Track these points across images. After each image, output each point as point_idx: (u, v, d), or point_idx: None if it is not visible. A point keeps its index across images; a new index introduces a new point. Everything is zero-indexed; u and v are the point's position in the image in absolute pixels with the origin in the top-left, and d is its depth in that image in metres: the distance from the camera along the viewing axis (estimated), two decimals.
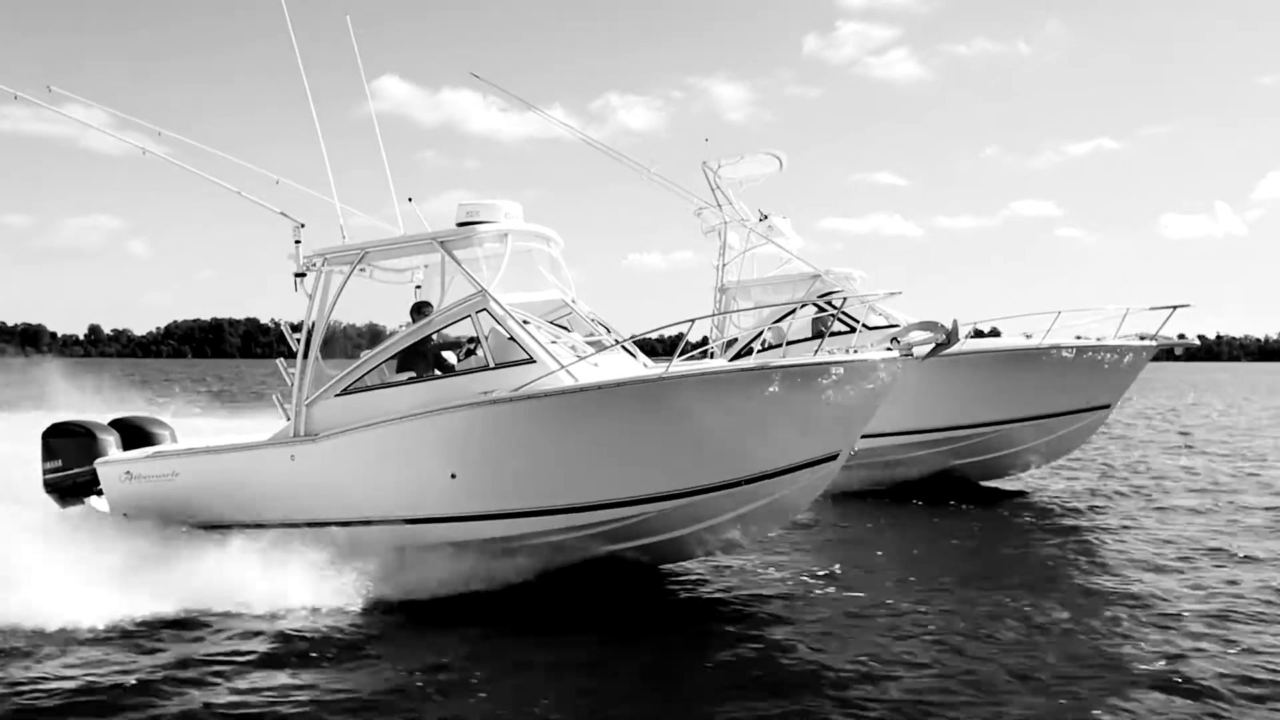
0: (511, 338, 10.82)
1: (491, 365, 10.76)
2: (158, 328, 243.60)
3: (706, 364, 11.06)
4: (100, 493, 12.75)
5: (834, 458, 10.53)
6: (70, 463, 12.75)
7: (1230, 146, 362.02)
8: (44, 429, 13.02)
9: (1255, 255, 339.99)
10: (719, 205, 19.17)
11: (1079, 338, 17.35)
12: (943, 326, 10.27)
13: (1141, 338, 17.28)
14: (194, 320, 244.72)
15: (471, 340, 11.54)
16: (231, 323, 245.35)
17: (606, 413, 10.14)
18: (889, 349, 10.36)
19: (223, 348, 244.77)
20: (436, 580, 10.94)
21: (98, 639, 9.50)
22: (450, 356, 11.63)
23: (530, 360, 10.63)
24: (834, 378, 10.03)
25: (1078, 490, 19.35)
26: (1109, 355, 17.20)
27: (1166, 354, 18.48)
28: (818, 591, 11.37)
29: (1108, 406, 17.90)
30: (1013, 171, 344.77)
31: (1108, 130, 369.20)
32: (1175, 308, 16.86)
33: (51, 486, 12.83)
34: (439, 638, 9.68)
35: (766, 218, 19.20)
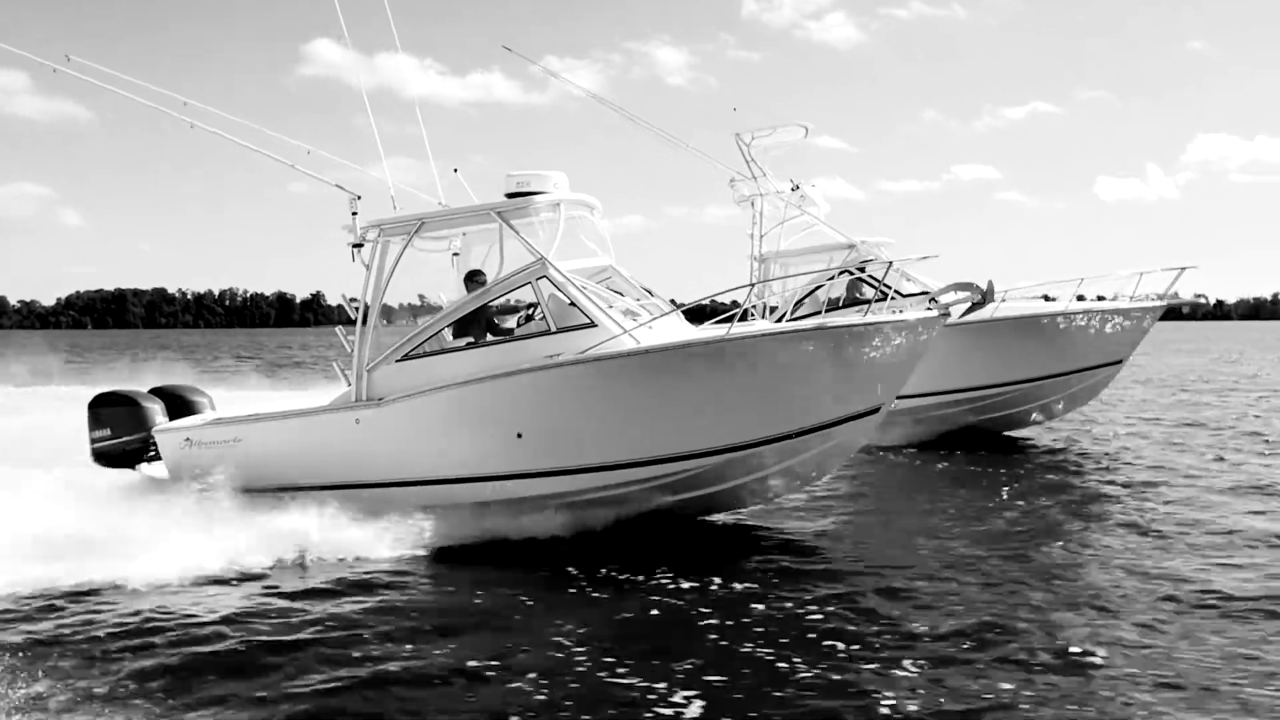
0: (573, 303, 11.40)
1: (553, 330, 11.33)
2: (59, 299, 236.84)
3: (766, 325, 11.78)
4: (151, 460, 13.07)
5: (877, 410, 11.37)
6: (119, 431, 13.03)
7: (1160, 110, 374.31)
8: (90, 399, 13.27)
9: (1186, 217, 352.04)
10: (753, 177, 19.85)
11: (1098, 298, 18.95)
12: (978, 287, 11.13)
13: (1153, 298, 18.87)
14: (96, 291, 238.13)
15: (530, 306, 12.09)
16: (136, 293, 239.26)
17: (676, 372, 10.80)
18: (928, 308, 11.20)
19: (125, 318, 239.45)
20: (494, 531, 11.64)
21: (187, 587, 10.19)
22: (509, 321, 12.17)
23: (592, 324, 11.22)
24: (882, 335, 10.84)
25: (1094, 436, 21.60)
26: (1122, 317, 18.84)
27: (1174, 312, 20.13)
28: (859, 535, 12.24)
29: (1120, 362, 19.58)
30: (952, 135, 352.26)
31: (1042, 94, 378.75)
32: (1183, 269, 18.66)
33: (100, 455, 13.09)
34: (488, 587, 10.26)
35: (798, 188, 19.97)
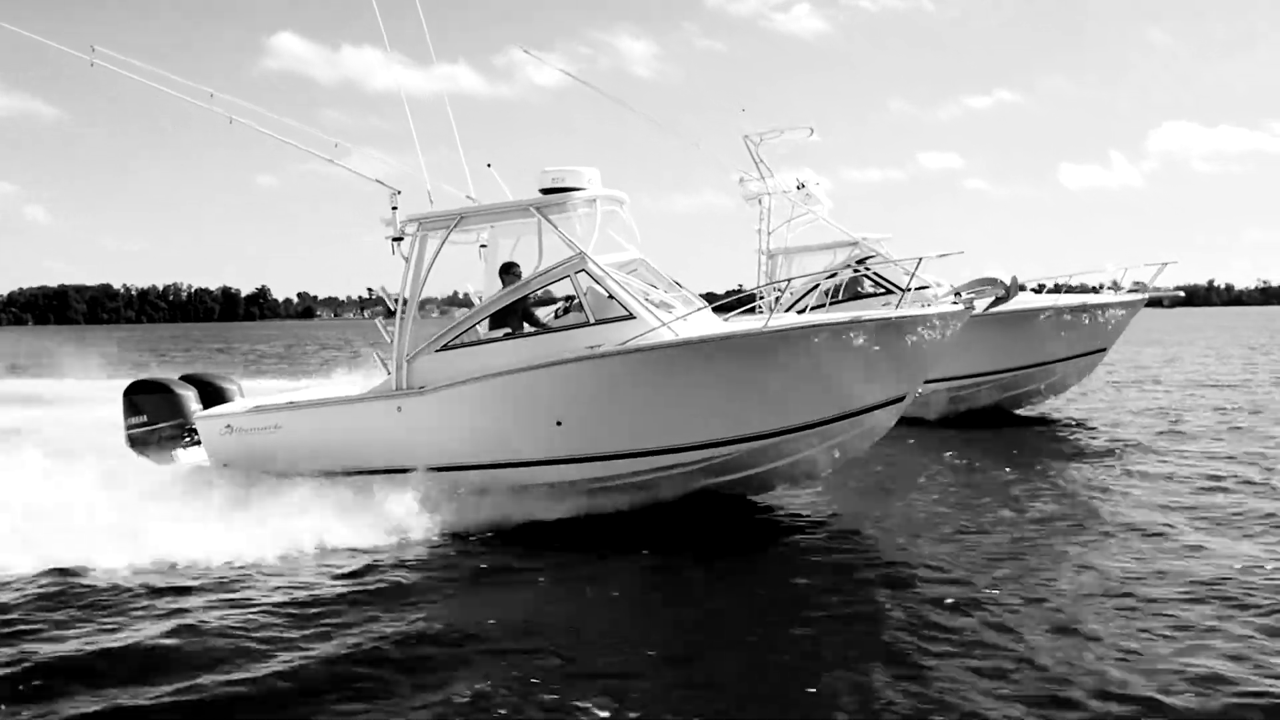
0: (611, 296, 11.80)
1: (592, 321, 11.73)
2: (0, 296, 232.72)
3: (799, 317, 12.27)
4: (186, 446, 13.31)
5: (904, 397, 11.92)
6: (155, 418, 13.26)
7: (1122, 99, 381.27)
8: (126, 387, 13.49)
9: (1150, 205, 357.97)
10: (761, 177, 20.50)
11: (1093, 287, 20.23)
12: (1001, 282, 11.70)
13: (1130, 289, 20.01)
14: (39, 287, 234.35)
15: (568, 299, 12.48)
16: (79, 289, 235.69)
17: (715, 362, 11.25)
18: (954, 303, 11.76)
19: (67, 314, 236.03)
20: (534, 514, 12.01)
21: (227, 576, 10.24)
22: (544, 313, 12.57)
23: (630, 316, 11.65)
24: (912, 328, 11.38)
25: (1078, 412, 23.17)
26: (1108, 309, 19.93)
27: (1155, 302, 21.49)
28: (887, 513, 12.80)
29: (1104, 349, 21.14)
30: (917, 124, 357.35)
31: (1005, 83, 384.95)
32: (1165, 264, 19.92)
33: (136, 441, 13.31)
34: (529, 570, 10.56)
35: (804, 186, 20.68)
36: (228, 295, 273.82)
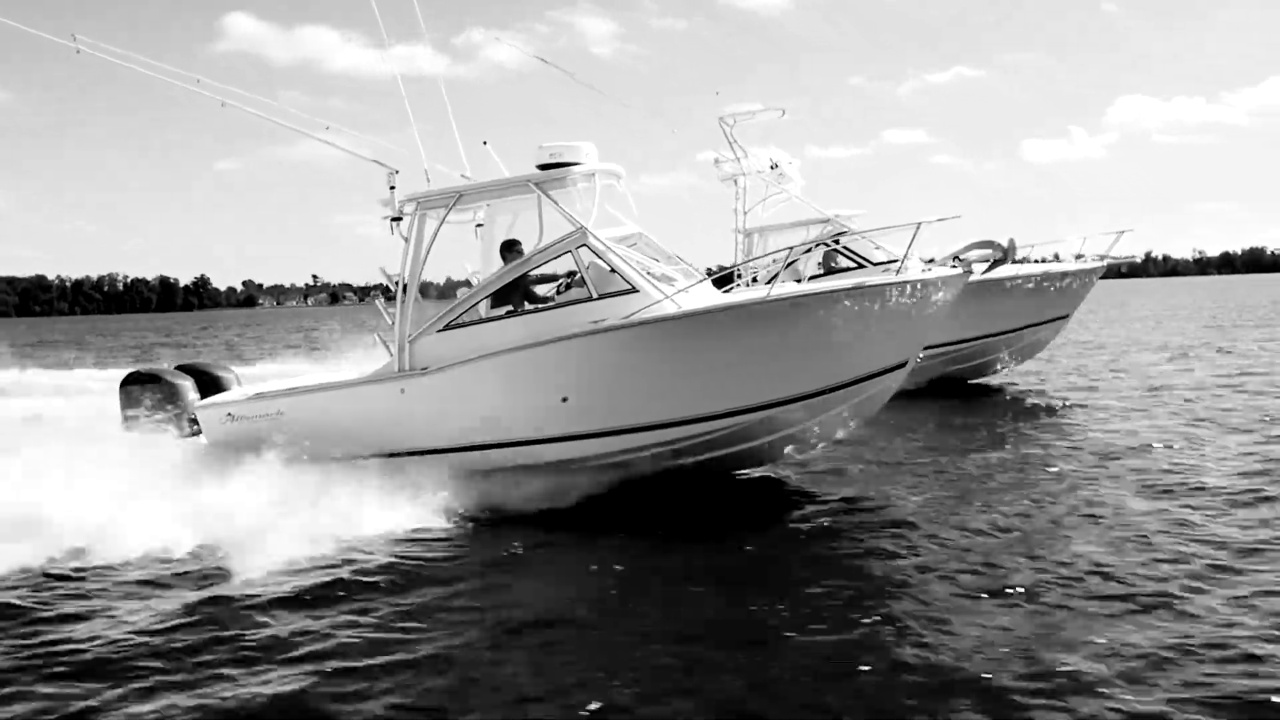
0: (613, 270, 11.85)
1: (595, 296, 11.78)
2: None
3: (804, 285, 12.41)
4: (186, 435, 13.19)
5: (905, 363, 12.12)
6: (154, 408, 13.13)
7: (1081, 72, 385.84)
8: (122, 378, 13.35)
9: (1111, 176, 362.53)
10: (736, 158, 20.78)
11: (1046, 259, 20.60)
12: (999, 245, 11.94)
13: (1089, 258, 20.61)
14: None
15: (569, 274, 12.52)
16: (10, 281, 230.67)
17: (721, 333, 11.37)
18: (953, 266, 11.96)
19: None
20: (543, 494, 12.06)
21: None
22: (544, 290, 12.59)
23: (633, 290, 11.71)
24: (913, 293, 11.56)
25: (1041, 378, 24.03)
26: (1068, 278, 20.17)
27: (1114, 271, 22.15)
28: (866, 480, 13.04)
29: (1067, 316, 21.67)
30: (880, 100, 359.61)
31: (964, 59, 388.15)
32: (1122, 232, 20.42)
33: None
34: (522, 552, 10.59)
35: (777, 166, 21.00)
36: (165, 285, 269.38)
